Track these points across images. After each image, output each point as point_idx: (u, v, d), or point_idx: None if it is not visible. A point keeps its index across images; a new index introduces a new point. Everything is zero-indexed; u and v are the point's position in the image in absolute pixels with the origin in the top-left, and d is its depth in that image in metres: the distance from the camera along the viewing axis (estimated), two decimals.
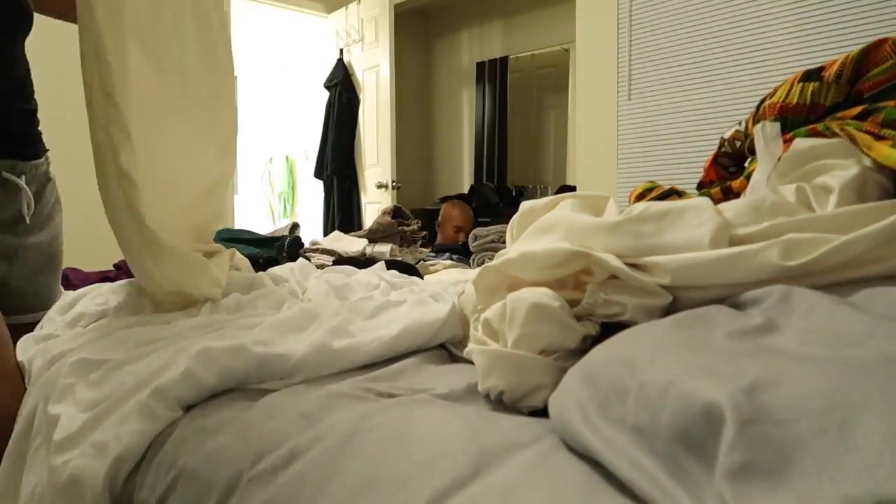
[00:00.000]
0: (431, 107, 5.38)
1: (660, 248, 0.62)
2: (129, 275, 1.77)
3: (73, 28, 0.99)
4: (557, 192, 4.32)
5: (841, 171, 0.69)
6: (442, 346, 0.96)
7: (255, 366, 0.79)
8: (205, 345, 0.79)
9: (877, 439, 0.33)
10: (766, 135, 0.86)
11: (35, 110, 1.25)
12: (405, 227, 2.28)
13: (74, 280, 1.80)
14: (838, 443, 0.34)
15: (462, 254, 2.45)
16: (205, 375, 0.76)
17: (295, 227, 2.38)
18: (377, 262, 1.96)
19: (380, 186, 4.32)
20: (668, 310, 0.61)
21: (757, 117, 0.95)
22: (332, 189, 4.57)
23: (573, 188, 3.66)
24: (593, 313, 0.64)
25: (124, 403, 0.76)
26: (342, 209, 4.50)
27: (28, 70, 1.22)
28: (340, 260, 1.84)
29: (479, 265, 1.86)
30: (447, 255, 2.40)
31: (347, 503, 0.51)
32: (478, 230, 2.41)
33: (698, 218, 0.62)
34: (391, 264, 1.59)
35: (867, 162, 0.70)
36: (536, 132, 4.89)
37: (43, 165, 1.26)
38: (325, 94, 4.63)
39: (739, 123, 1.04)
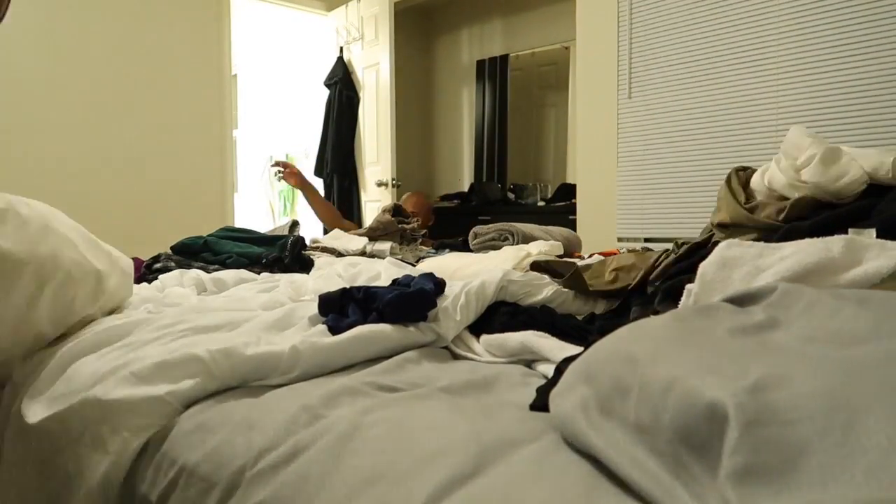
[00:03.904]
0: (431, 105, 5.36)
1: None
2: (138, 272, 1.76)
3: None
4: (557, 191, 4.32)
5: None
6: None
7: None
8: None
9: (883, 441, 0.32)
10: None
11: None
12: (405, 226, 2.27)
13: None
14: (843, 444, 0.33)
15: (463, 251, 2.45)
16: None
17: (294, 224, 2.37)
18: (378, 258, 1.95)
19: (380, 184, 4.31)
20: None
21: None
22: (333, 187, 4.56)
23: (573, 187, 3.65)
24: None
25: None
26: (342, 207, 4.49)
27: None
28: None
29: None
30: (447, 251, 2.40)
31: (349, 500, 0.51)
32: (478, 228, 2.41)
33: None
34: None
35: None
36: (536, 130, 4.87)
37: None
38: (325, 93, 4.62)
39: None
